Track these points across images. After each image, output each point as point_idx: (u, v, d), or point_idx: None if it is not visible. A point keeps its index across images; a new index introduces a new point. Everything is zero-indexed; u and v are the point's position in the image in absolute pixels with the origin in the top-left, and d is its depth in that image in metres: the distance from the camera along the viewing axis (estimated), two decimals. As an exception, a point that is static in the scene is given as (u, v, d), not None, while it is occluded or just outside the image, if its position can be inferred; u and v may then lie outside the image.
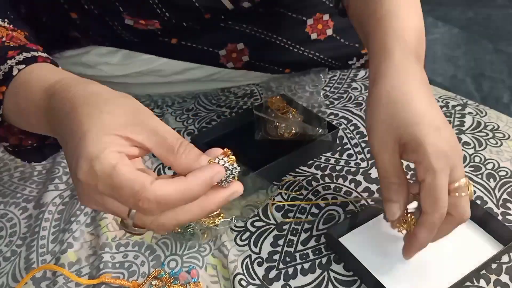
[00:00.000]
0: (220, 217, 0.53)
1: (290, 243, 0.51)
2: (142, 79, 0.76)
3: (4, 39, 0.47)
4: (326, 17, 0.76)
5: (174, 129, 0.41)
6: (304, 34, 0.75)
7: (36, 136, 0.49)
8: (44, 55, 0.46)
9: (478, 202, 0.53)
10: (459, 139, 0.62)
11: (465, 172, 0.57)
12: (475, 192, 0.55)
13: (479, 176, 0.57)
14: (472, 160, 0.59)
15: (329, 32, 0.76)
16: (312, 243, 0.51)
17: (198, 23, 0.71)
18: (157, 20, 0.67)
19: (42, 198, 0.57)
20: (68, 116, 0.36)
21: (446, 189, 0.42)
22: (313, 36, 0.76)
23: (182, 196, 0.34)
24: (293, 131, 0.63)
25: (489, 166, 0.58)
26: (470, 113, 0.66)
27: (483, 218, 0.51)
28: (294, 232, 0.52)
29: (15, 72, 0.43)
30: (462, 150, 0.60)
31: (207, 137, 0.64)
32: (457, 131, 0.63)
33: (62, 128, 0.37)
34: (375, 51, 0.48)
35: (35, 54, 0.45)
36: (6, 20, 0.51)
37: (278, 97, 0.68)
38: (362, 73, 0.77)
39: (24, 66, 0.43)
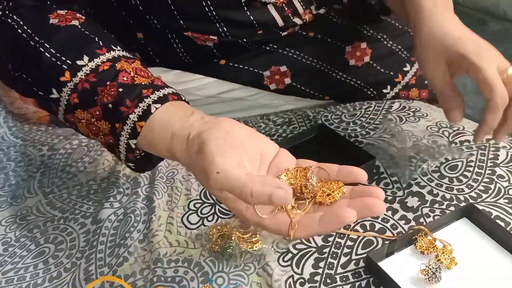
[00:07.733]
0: (258, 243, 0.56)
1: (330, 266, 0.54)
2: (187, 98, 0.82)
3: (132, 74, 0.51)
4: (363, 45, 0.80)
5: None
6: (343, 60, 0.79)
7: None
8: (171, 91, 0.51)
9: (513, 233, 0.55)
10: (494, 172, 0.64)
11: (500, 204, 0.60)
12: (510, 223, 0.57)
13: (514, 208, 0.59)
14: (506, 193, 0.61)
15: (367, 59, 0.80)
16: (352, 266, 0.54)
17: (251, 41, 0.76)
18: (216, 36, 0.73)
19: (99, 214, 0.62)
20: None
21: (496, 78, 0.53)
22: (351, 62, 0.80)
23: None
24: None
25: (524, 198, 0.60)
26: (504, 147, 0.68)
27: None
28: (334, 255, 0.55)
29: (153, 110, 0.48)
30: (497, 182, 0.63)
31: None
32: (491, 164, 0.66)
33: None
34: (411, 9, 0.62)
35: (165, 92, 0.50)
36: (118, 46, 0.54)
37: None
38: (396, 105, 0.80)
39: (160, 105, 0.49)
